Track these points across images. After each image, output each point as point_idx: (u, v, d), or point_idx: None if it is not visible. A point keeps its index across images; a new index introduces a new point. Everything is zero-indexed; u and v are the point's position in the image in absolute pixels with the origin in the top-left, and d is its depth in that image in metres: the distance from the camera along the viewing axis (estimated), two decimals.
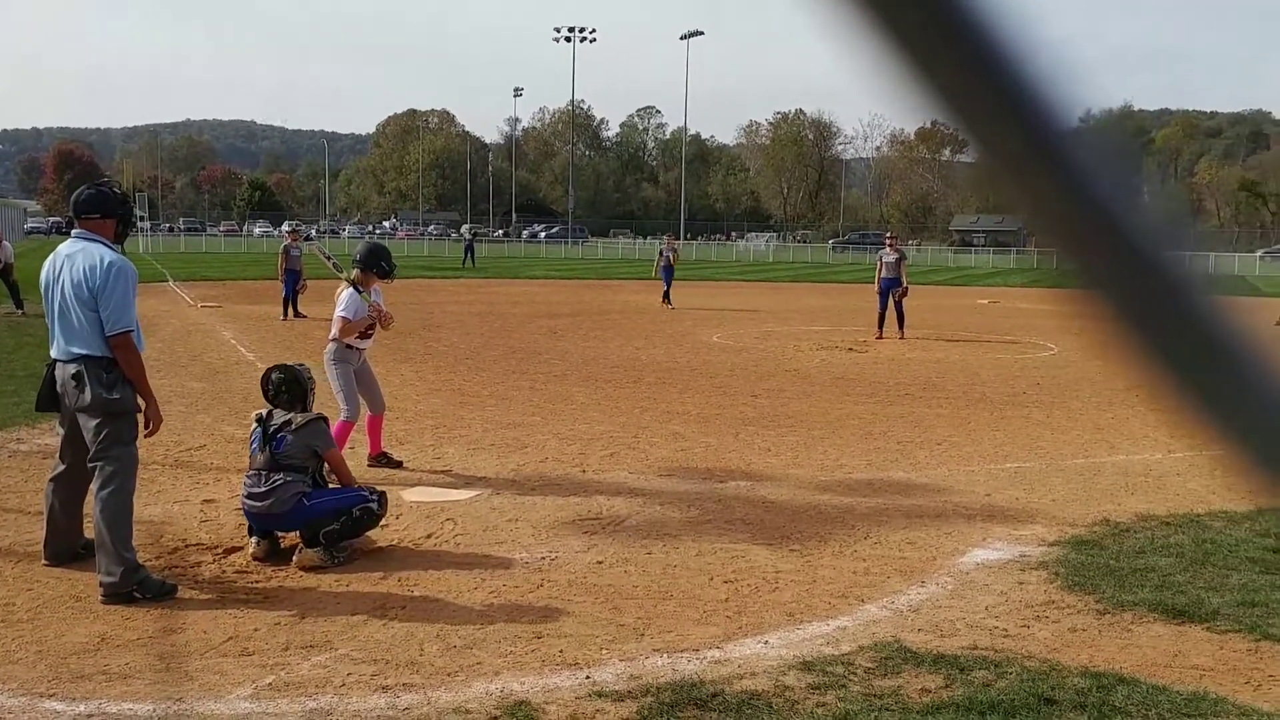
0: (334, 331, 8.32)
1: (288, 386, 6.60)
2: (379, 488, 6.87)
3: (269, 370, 6.80)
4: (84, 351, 5.71)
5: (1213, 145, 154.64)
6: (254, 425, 6.55)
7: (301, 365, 6.96)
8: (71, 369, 5.72)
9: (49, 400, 5.94)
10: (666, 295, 27.48)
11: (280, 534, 6.41)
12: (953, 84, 0.41)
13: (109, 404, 5.68)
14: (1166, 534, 6.91)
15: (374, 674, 4.64)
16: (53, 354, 5.87)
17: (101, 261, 5.72)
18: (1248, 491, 0.45)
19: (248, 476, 6.39)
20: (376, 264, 8.59)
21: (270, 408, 6.58)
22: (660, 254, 28.89)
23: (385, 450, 8.68)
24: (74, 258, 5.79)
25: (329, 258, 9.31)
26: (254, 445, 6.44)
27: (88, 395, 5.66)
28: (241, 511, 6.74)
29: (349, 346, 8.32)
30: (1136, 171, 0.44)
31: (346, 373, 8.25)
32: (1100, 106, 0.43)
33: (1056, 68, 0.41)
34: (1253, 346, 0.45)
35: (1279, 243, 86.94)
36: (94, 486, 5.74)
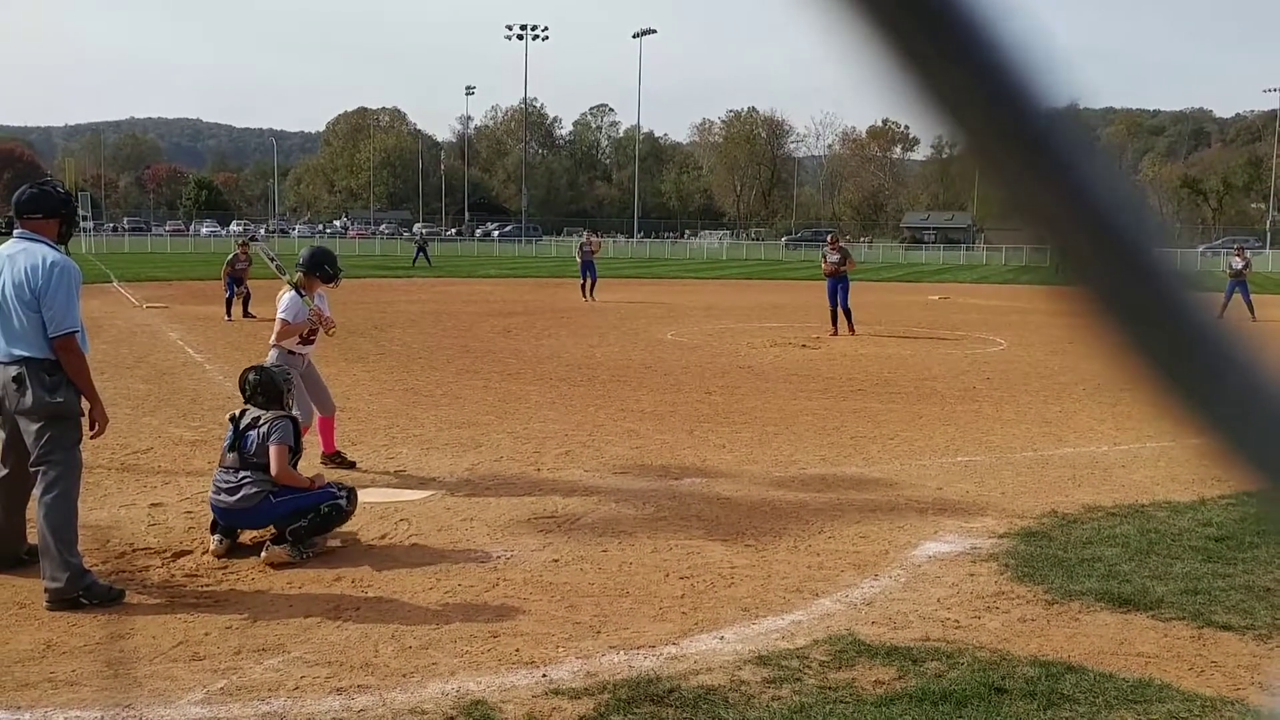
0: (274, 335, 8.24)
1: (263, 388, 6.64)
2: (348, 484, 6.89)
3: (246, 370, 6.86)
4: (26, 353, 5.60)
5: (1156, 143, 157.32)
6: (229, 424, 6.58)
7: (279, 366, 6.98)
8: (13, 371, 5.61)
9: None
10: (584, 289, 28.49)
11: (241, 530, 6.40)
12: (936, 75, 0.42)
13: (51, 407, 5.59)
14: (1112, 525, 7.03)
15: (328, 676, 4.61)
16: None
17: (44, 261, 5.62)
18: (1232, 481, 0.47)
19: (217, 473, 6.41)
20: (320, 268, 8.49)
21: (246, 407, 6.61)
22: (580, 249, 29.75)
23: (339, 450, 8.61)
24: (15, 258, 5.68)
25: (272, 259, 9.22)
26: (226, 443, 6.45)
27: (29, 398, 5.56)
28: (190, 514, 6.68)
29: (291, 352, 8.23)
30: (1118, 166, 0.45)
31: (294, 376, 8.17)
32: (1078, 100, 0.44)
33: (1038, 58, 0.42)
34: (1236, 342, 0.47)
35: (1220, 239, 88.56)
36: (37, 491, 5.63)
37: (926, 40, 0.41)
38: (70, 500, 5.59)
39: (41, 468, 5.59)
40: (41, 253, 5.67)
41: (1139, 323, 0.45)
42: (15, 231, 5.85)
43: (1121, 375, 0.46)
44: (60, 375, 5.62)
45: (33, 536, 5.87)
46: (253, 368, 6.84)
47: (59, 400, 5.60)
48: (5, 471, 5.91)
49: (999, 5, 0.42)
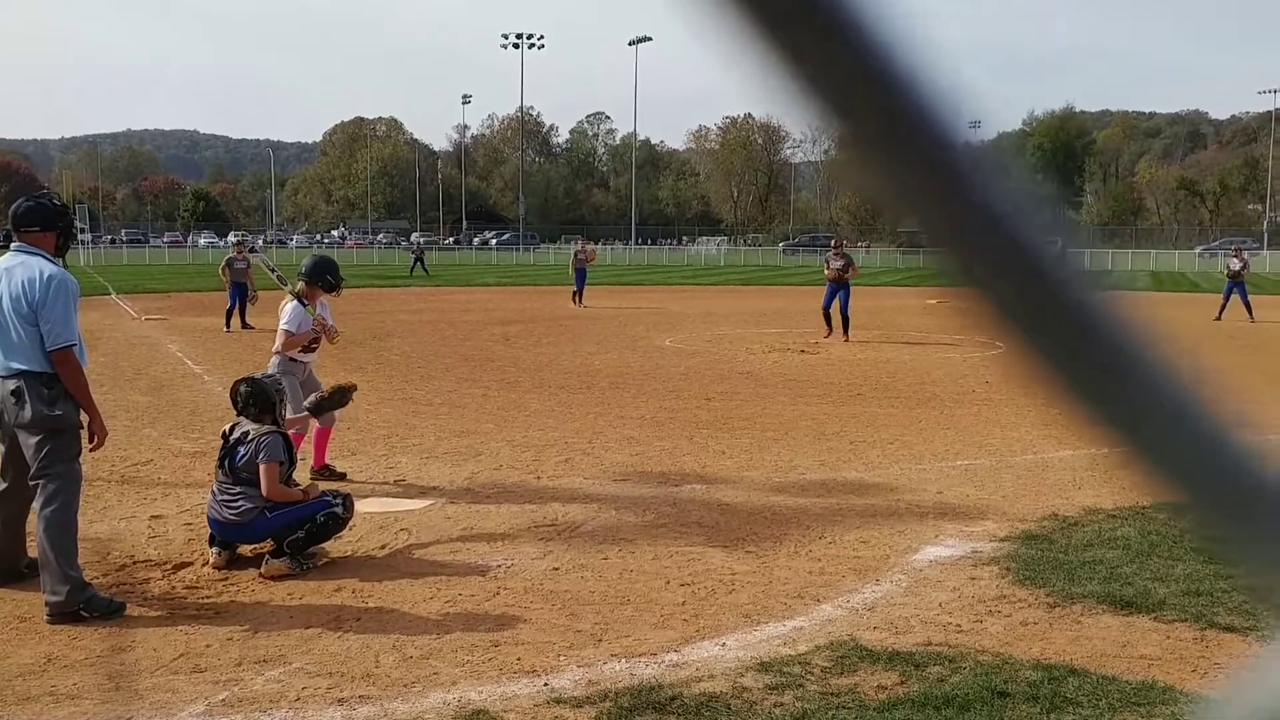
0: (277, 345, 8.25)
1: (255, 399, 6.60)
2: (344, 490, 6.89)
3: (237, 383, 6.81)
4: (24, 367, 5.60)
5: (1152, 145, 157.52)
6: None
7: (270, 377, 6.97)
8: (11, 385, 5.61)
9: None
10: (575, 295, 29.33)
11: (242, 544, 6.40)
12: (821, 71, 0.41)
13: (50, 420, 5.58)
14: (1113, 527, 7.03)
15: (329, 687, 4.60)
16: None
17: (41, 275, 5.62)
18: (1137, 487, 0.46)
19: (213, 488, 6.41)
20: (321, 277, 8.51)
21: (238, 420, 6.59)
22: (574, 256, 30.76)
23: (329, 463, 8.60)
24: (13, 271, 5.67)
25: (273, 269, 9.23)
26: (218, 459, 6.44)
27: (28, 411, 5.55)
28: (190, 526, 6.67)
29: (293, 359, 8.25)
30: (1008, 165, 0.44)
31: (293, 385, 8.16)
32: (959, 93, 0.43)
33: (919, 48, 0.42)
34: (1140, 340, 0.46)
35: (1217, 241, 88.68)
36: (37, 505, 5.63)
37: (808, 30, 0.41)
38: (70, 513, 5.59)
39: (41, 480, 5.58)
40: (39, 266, 5.67)
41: (1032, 324, 0.45)
42: (13, 245, 5.84)
43: (1025, 378, 0.46)
44: (59, 388, 5.61)
45: (33, 550, 5.86)
46: (244, 379, 6.82)
47: (58, 413, 5.60)
48: (4, 485, 5.90)
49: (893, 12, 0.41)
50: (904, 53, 0.41)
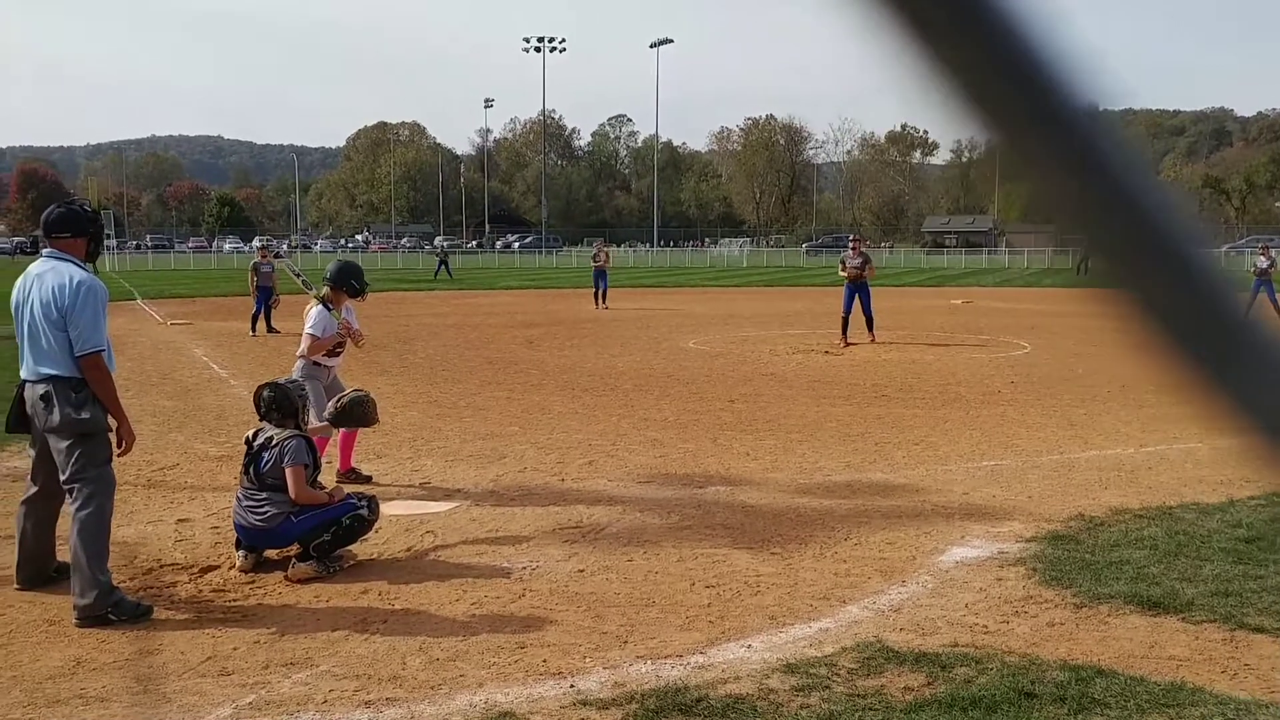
0: (302, 348, 8.30)
1: (278, 404, 6.62)
2: (369, 493, 6.92)
3: (260, 387, 6.84)
4: (53, 372, 5.65)
5: (1176, 143, 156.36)
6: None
7: (293, 382, 6.99)
8: (40, 389, 5.67)
9: (19, 422, 5.88)
10: (597, 297, 29.42)
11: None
12: (976, 78, 0.42)
13: (78, 424, 5.63)
14: (1140, 527, 6.97)
15: (356, 690, 4.62)
16: (22, 374, 5.82)
17: (71, 280, 5.67)
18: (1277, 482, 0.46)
19: (239, 493, 6.45)
20: (346, 282, 8.55)
21: (260, 425, 6.62)
22: (594, 258, 31.04)
23: (355, 466, 8.63)
24: (44, 277, 5.74)
25: (298, 274, 9.28)
26: (243, 465, 6.48)
27: (56, 416, 5.61)
28: (216, 530, 6.71)
29: (317, 364, 8.29)
30: (1153, 168, 0.44)
31: (317, 389, 8.20)
32: (1111, 100, 0.43)
33: (1073, 57, 0.42)
34: (1275, 340, 0.46)
35: (1244, 238, 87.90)
36: (70, 508, 5.68)
37: (963, 39, 0.41)
38: (104, 517, 5.64)
39: (75, 485, 5.63)
40: (69, 272, 5.72)
41: (1177, 323, 0.45)
42: (44, 250, 5.92)
43: (1158, 375, 0.46)
44: (87, 393, 5.66)
45: (63, 554, 5.91)
46: (267, 384, 6.84)
47: (85, 417, 5.64)
48: (35, 489, 5.97)
49: (1034, 6, 0.41)
50: (1052, 49, 0.41)
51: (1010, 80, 0.41)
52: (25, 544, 5.99)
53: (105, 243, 6.24)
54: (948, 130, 0.44)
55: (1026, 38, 0.41)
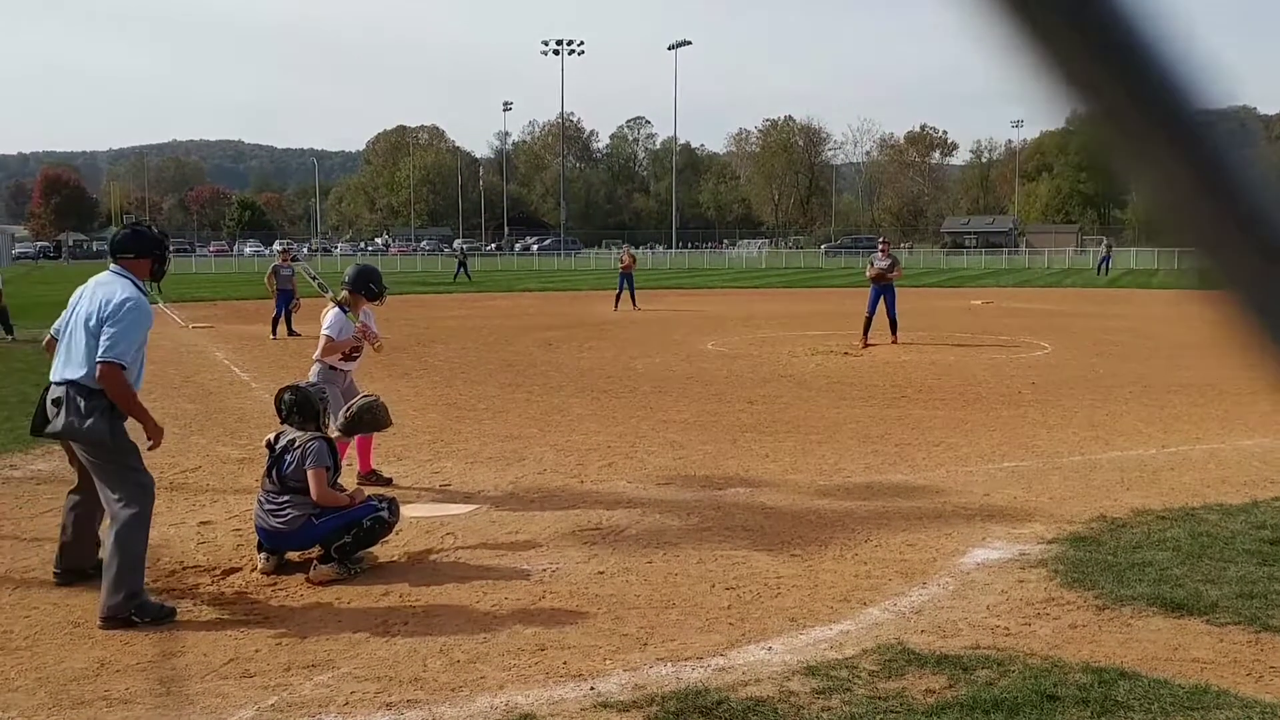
0: (318, 351, 8.32)
1: (299, 407, 6.65)
2: (388, 495, 6.94)
3: (281, 391, 6.87)
4: (72, 377, 5.73)
5: None
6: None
7: (314, 386, 7.01)
8: (57, 393, 5.75)
9: (42, 423, 5.94)
10: (625, 299, 29.39)
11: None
12: (1093, 74, 0.41)
13: (82, 432, 5.69)
14: (1163, 528, 6.92)
15: (378, 691, 4.63)
16: (50, 377, 5.91)
17: (119, 296, 5.82)
18: None
19: (260, 496, 6.48)
20: (365, 285, 8.57)
21: (282, 428, 6.64)
22: (619, 260, 31.40)
23: (375, 468, 8.66)
24: (98, 288, 5.91)
25: (314, 278, 9.32)
26: (265, 468, 6.51)
27: (60, 421, 5.68)
28: (238, 532, 6.73)
29: (333, 368, 8.30)
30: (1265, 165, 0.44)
31: (334, 394, 8.22)
32: (1232, 101, 0.43)
33: (1191, 57, 0.41)
34: None
35: None
36: (109, 513, 5.75)
37: (1089, 46, 0.41)
38: (144, 522, 5.72)
39: (114, 495, 5.70)
40: (121, 287, 5.88)
41: None
42: (110, 266, 6.09)
43: (1261, 377, 0.45)
44: (97, 402, 5.68)
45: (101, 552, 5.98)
46: (288, 387, 6.87)
47: (88, 426, 5.66)
48: (77, 481, 6.09)
49: (1157, 8, 0.41)
50: (1158, 34, 0.41)
51: (1129, 79, 0.41)
52: (65, 535, 6.12)
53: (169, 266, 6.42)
54: (1090, 144, 0.43)
55: (1144, 36, 0.41)
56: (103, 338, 5.69)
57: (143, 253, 6.08)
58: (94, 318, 5.75)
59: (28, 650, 5.16)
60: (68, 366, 5.77)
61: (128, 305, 5.79)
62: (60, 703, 4.55)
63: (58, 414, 5.69)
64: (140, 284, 6.04)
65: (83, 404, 5.67)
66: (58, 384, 5.77)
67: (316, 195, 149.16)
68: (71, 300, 6.02)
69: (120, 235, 6.15)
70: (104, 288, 5.90)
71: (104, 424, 5.70)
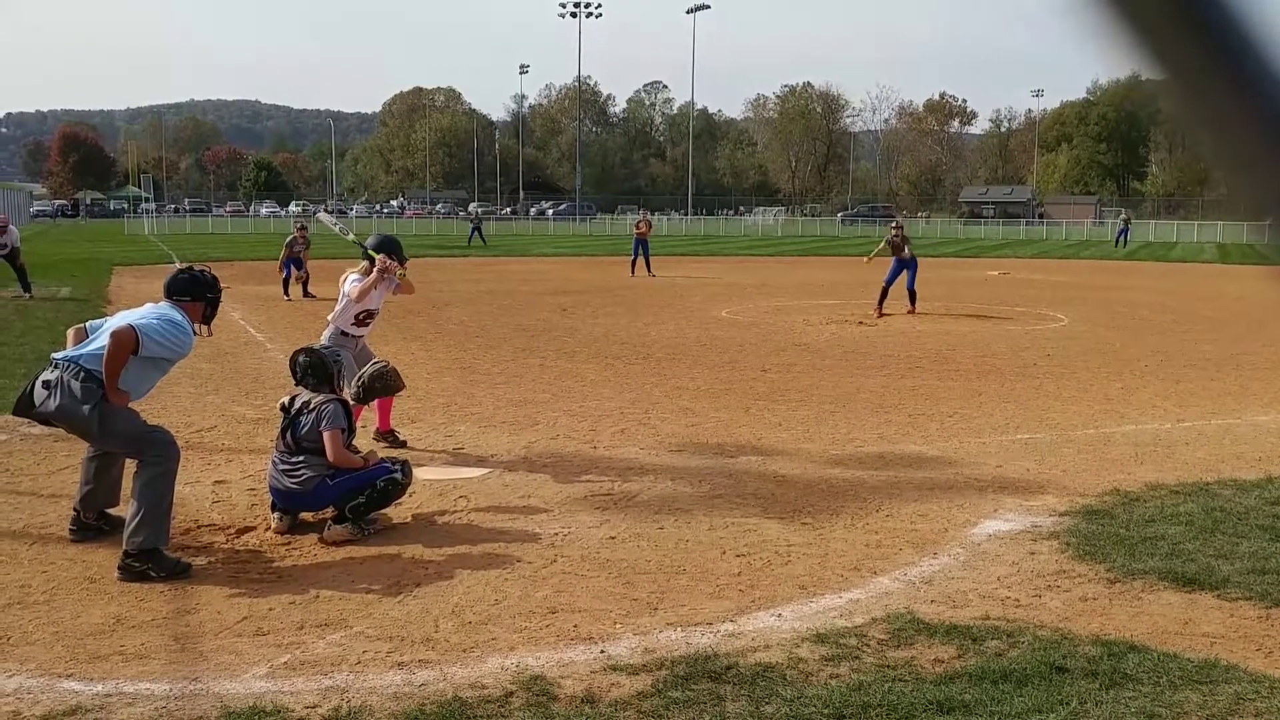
0: (351, 295, 8.26)
1: (314, 370, 6.69)
2: (401, 456, 6.97)
3: (296, 352, 6.91)
4: (75, 355, 5.80)
5: None
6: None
7: (329, 348, 7.03)
8: (49, 375, 5.80)
9: (28, 405, 6.02)
10: (640, 265, 29.63)
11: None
12: (1172, 35, 0.41)
13: (66, 414, 5.74)
14: (1176, 503, 6.91)
15: (389, 651, 4.67)
16: (54, 355, 6.01)
17: (168, 311, 6.06)
18: None
19: (274, 456, 6.51)
20: (387, 253, 8.57)
21: (296, 390, 6.68)
22: (636, 226, 31.60)
23: (393, 428, 8.70)
24: (149, 305, 6.17)
25: (335, 223, 9.32)
26: (280, 429, 6.54)
27: (51, 402, 5.72)
28: (253, 491, 6.77)
29: (344, 333, 8.30)
30: None
31: (347, 358, 8.23)
32: None
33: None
34: None
35: None
36: (135, 470, 5.82)
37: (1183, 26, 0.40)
38: (169, 479, 5.80)
39: (139, 459, 5.82)
40: (170, 315, 6.04)
41: None
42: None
43: None
44: (92, 389, 5.71)
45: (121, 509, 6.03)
46: (303, 350, 6.90)
47: (84, 411, 5.71)
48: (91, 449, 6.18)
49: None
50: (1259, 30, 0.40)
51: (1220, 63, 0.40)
52: (86, 483, 6.18)
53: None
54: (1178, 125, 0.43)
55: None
56: (131, 318, 5.87)
57: (197, 297, 6.32)
58: (132, 317, 5.94)
59: (45, 605, 5.21)
60: (79, 348, 5.86)
61: (174, 318, 6.01)
62: (76, 656, 4.60)
63: (47, 396, 5.74)
64: (191, 324, 6.19)
65: (76, 385, 5.70)
66: (55, 364, 5.80)
67: (333, 156, 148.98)
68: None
69: (175, 278, 6.36)
70: (156, 308, 6.12)
71: (93, 410, 5.72)
